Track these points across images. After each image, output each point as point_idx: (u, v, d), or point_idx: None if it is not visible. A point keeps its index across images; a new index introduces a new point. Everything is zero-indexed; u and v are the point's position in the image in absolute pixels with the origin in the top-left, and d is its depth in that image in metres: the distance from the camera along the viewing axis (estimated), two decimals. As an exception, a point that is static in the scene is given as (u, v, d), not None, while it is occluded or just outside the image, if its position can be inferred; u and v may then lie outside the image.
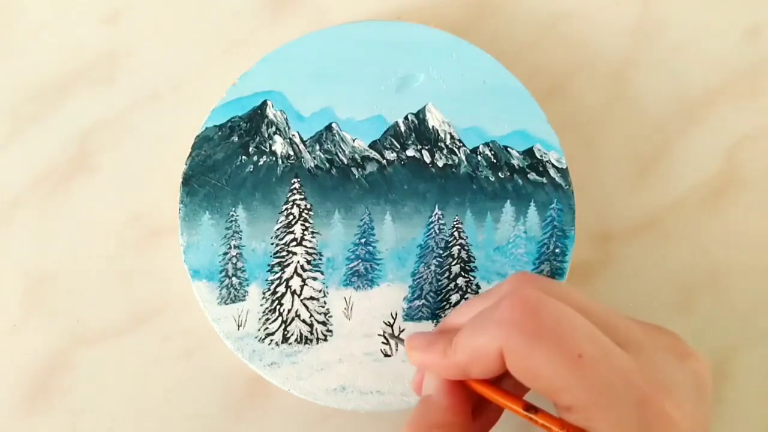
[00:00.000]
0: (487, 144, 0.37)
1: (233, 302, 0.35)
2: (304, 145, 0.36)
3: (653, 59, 0.41)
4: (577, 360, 0.23)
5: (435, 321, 0.35)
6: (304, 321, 0.35)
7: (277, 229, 0.35)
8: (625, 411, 0.23)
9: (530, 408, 0.25)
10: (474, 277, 0.36)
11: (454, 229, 0.36)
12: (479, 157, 0.37)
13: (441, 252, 0.36)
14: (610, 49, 0.41)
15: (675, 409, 0.23)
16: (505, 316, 0.25)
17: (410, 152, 0.36)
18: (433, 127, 0.37)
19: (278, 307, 0.35)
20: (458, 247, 0.36)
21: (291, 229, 0.35)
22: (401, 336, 0.35)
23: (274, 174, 0.36)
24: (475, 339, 0.26)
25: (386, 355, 0.35)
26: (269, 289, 0.35)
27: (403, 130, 0.36)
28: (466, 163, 0.36)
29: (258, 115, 0.36)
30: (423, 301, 0.36)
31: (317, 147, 0.36)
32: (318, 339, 0.35)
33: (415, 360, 0.29)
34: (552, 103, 0.39)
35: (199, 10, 0.39)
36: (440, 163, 0.36)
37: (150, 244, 0.37)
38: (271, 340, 0.35)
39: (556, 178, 0.36)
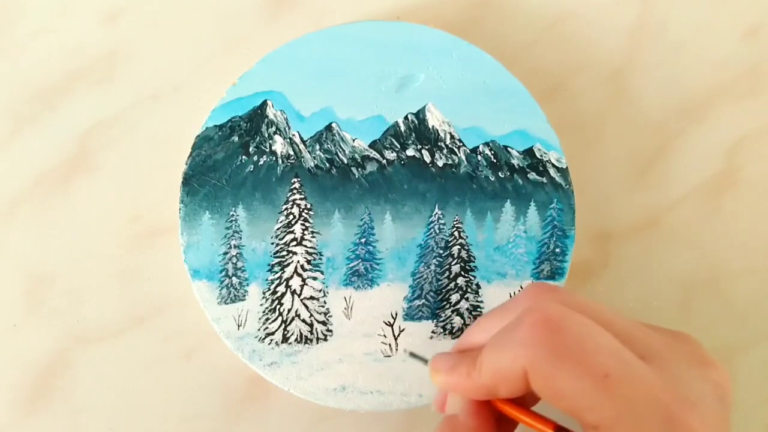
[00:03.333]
0: (487, 144, 0.37)
1: (233, 302, 0.35)
2: (304, 145, 0.36)
3: (653, 59, 0.41)
4: (603, 380, 0.23)
5: (435, 321, 0.35)
6: (304, 321, 0.35)
7: (277, 229, 0.35)
8: (652, 429, 0.23)
9: (560, 430, 0.25)
10: (474, 276, 0.36)
11: (454, 228, 0.36)
12: (479, 157, 0.37)
13: (441, 252, 0.36)
14: (610, 49, 0.41)
15: (700, 424, 0.23)
16: (527, 335, 0.24)
17: (410, 152, 0.36)
18: (433, 127, 0.37)
19: (278, 306, 0.35)
20: (458, 246, 0.36)
21: (291, 229, 0.35)
22: (399, 338, 0.35)
23: (274, 174, 0.36)
24: (498, 360, 0.25)
25: (386, 355, 0.35)
26: (269, 289, 0.35)
27: (403, 130, 0.36)
28: (466, 162, 0.36)
29: (258, 115, 0.36)
30: (423, 300, 0.36)
31: (317, 147, 0.36)
32: (318, 339, 0.35)
33: (439, 382, 0.28)
34: (552, 103, 0.39)
35: (199, 10, 0.39)
36: (440, 163, 0.36)
37: (150, 244, 0.37)
38: (271, 340, 0.35)
39: (556, 178, 0.36)
